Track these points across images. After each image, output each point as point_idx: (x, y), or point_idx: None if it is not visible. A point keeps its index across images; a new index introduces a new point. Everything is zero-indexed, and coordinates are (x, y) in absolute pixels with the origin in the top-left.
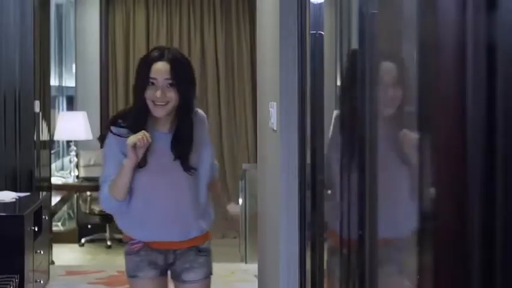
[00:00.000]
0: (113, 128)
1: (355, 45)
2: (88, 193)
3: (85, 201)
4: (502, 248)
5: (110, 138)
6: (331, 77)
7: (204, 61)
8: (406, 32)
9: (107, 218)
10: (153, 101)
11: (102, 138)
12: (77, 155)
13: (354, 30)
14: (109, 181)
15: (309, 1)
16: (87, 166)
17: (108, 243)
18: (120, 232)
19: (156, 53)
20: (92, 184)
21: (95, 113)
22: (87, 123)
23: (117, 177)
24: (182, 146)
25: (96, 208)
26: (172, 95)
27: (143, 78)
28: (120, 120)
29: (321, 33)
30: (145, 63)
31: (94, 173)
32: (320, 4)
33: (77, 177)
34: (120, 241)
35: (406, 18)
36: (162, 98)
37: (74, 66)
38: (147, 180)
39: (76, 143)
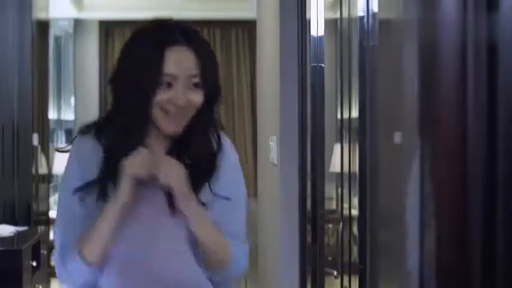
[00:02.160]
0: (79, 137)
1: (355, 77)
2: None
3: None
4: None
5: (72, 154)
6: (332, 109)
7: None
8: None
9: None
10: (165, 110)
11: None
12: None
13: (354, 62)
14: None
15: (309, 34)
16: None
17: None
18: None
19: (166, 32)
20: None
21: None
22: None
23: (97, 226)
24: (197, 177)
25: None
26: (198, 100)
27: (151, 75)
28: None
29: (322, 66)
30: (151, 48)
31: None
32: (320, 37)
33: None
34: None
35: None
36: (183, 104)
37: (72, 99)
38: (129, 238)
39: None
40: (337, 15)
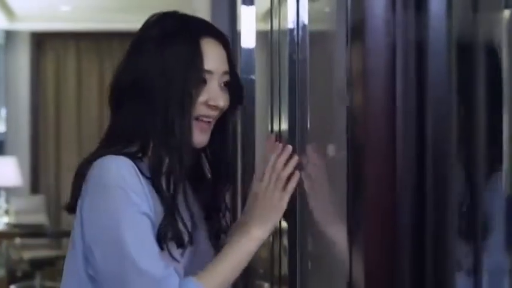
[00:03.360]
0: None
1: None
2: (18, 240)
3: (15, 248)
4: None
5: (131, 174)
6: (264, 122)
7: None
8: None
9: (37, 265)
10: (199, 116)
11: (73, 201)
12: (6, 201)
13: (284, 75)
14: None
15: (239, 46)
16: (18, 212)
17: None
18: (52, 279)
19: (195, 22)
20: (22, 231)
21: (25, 158)
22: (17, 168)
23: (230, 260)
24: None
25: (27, 255)
26: (228, 102)
27: (193, 70)
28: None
29: (252, 78)
30: (185, 40)
31: (25, 219)
32: (251, 49)
33: (7, 224)
34: None
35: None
36: (222, 106)
37: (3, 110)
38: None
39: (6, 189)
40: (269, 27)
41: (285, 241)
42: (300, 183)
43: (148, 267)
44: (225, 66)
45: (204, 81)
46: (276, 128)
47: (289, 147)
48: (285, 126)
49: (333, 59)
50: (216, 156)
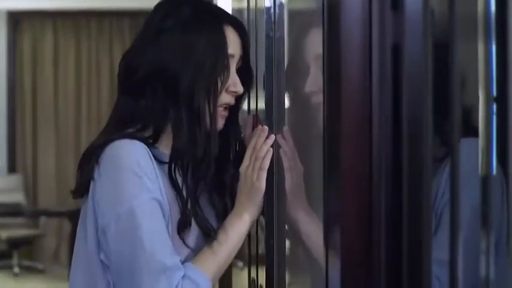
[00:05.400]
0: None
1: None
2: None
3: None
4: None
5: (146, 160)
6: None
7: (113, 86)
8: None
9: (15, 244)
10: (222, 105)
11: (83, 185)
12: None
13: (261, 53)
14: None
15: None
16: None
17: (16, 270)
18: (29, 258)
19: (213, 7)
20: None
21: (2, 137)
22: None
23: (226, 242)
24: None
25: (4, 234)
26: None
27: (221, 55)
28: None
29: None
30: (211, 22)
31: (2, 198)
32: None
33: None
34: (28, 268)
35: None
36: (241, 92)
37: None
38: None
39: None
40: (245, 5)
41: (262, 218)
42: (278, 162)
43: (159, 253)
44: (240, 51)
45: (229, 67)
46: (252, 106)
47: (266, 128)
48: (261, 104)
49: (308, 38)
50: (226, 141)
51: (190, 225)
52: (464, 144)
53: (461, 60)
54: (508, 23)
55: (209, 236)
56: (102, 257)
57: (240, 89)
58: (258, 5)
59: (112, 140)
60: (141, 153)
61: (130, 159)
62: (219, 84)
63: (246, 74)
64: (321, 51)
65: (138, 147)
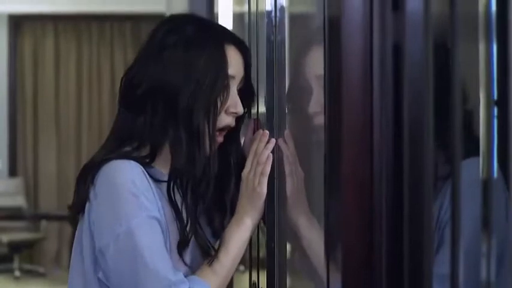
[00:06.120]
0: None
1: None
2: None
3: None
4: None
5: (142, 179)
6: None
7: (114, 90)
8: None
9: (15, 248)
10: (221, 127)
11: (79, 204)
12: None
13: (262, 57)
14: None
15: None
16: None
17: (17, 274)
18: (30, 262)
19: (217, 27)
20: (0, 214)
21: (3, 141)
22: None
23: (230, 253)
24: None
25: (5, 238)
26: (242, 110)
27: (221, 75)
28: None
29: None
30: (212, 41)
31: (3, 202)
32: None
33: None
34: (29, 272)
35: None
36: (241, 113)
37: None
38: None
39: None
40: (246, 9)
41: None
42: (278, 166)
43: (162, 271)
44: (242, 72)
45: (228, 87)
46: (253, 110)
47: (266, 132)
48: (262, 108)
49: (310, 42)
50: (226, 160)
51: (189, 244)
52: (467, 164)
53: (462, 62)
54: (510, 24)
55: (208, 254)
56: (100, 275)
57: (240, 110)
58: (259, 9)
59: (108, 160)
60: (135, 172)
61: (126, 179)
62: (219, 104)
63: (247, 95)
64: (322, 71)
65: (133, 167)
